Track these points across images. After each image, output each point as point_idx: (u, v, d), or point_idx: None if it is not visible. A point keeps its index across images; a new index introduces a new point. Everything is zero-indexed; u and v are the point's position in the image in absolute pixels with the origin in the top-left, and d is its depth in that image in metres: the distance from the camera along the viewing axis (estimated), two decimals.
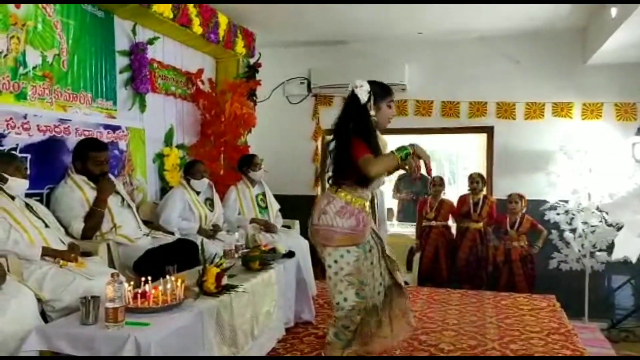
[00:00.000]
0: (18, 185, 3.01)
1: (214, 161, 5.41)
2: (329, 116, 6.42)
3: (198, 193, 4.42)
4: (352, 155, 2.56)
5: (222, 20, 5.16)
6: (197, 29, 4.78)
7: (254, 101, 5.98)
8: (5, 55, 3.28)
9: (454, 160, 8.41)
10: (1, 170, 2.96)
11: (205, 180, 4.44)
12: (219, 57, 5.74)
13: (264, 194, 5.04)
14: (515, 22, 5.46)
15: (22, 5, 3.38)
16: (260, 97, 6.17)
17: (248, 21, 5.54)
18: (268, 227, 4.76)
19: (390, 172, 2.82)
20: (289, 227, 5.15)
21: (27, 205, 3.13)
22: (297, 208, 5.86)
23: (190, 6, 4.61)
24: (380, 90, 2.71)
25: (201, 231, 4.26)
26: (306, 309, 3.97)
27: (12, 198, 3.02)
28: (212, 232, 4.31)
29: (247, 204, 4.87)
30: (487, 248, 5.55)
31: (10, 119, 3.27)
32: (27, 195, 3.21)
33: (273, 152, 6.12)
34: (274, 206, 5.08)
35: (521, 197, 5.49)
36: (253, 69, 6.01)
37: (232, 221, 4.73)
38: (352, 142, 2.58)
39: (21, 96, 3.39)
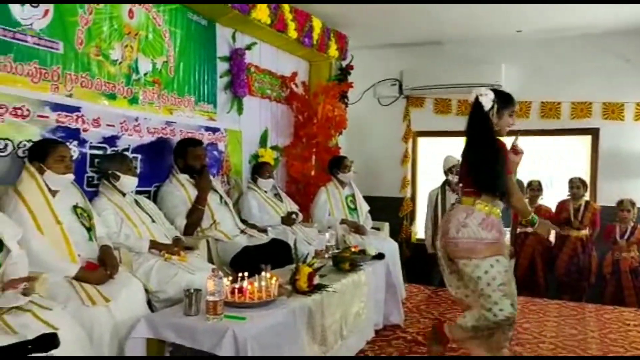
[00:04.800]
0: (129, 182, 3.26)
1: (305, 162, 5.53)
2: (420, 118, 6.45)
3: (265, 192, 4.55)
4: (504, 168, 2.64)
5: (316, 24, 5.26)
6: (293, 33, 4.91)
7: (346, 103, 6.04)
8: (120, 63, 3.56)
9: (553, 164, 8.00)
10: (114, 168, 3.22)
11: (271, 180, 4.58)
12: (312, 60, 5.86)
13: (353, 196, 5.08)
14: (623, 18, 5.11)
15: (135, 16, 3.65)
16: (351, 99, 6.22)
17: (341, 24, 5.61)
18: (357, 229, 4.79)
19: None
20: (378, 229, 5.15)
21: (136, 202, 3.38)
22: (386, 210, 5.89)
23: (287, 11, 4.75)
24: (504, 100, 2.76)
25: (284, 220, 4.39)
26: (395, 311, 3.95)
27: (123, 195, 3.27)
28: (293, 219, 4.43)
29: (337, 205, 4.93)
30: (589, 258, 5.23)
31: (124, 121, 3.55)
32: (136, 192, 3.46)
33: (363, 154, 6.16)
34: (364, 208, 5.11)
35: (633, 204, 5.12)
36: (345, 72, 6.07)
37: (322, 222, 4.81)
38: (504, 154, 2.66)
39: (133, 101, 3.67)
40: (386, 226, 5.25)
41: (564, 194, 5.47)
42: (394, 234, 5.45)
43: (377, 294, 3.70)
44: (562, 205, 5.43)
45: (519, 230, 5.54)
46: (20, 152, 2.89)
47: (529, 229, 5.45)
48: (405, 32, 5.87)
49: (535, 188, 5.53)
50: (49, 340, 1.54)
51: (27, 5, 2.93)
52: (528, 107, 5.94)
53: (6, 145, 2.84)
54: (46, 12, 3.05)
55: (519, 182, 5.52)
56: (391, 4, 4.85)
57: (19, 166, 2.82)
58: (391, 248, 4.64)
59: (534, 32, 5.69)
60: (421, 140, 6.65)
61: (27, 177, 2.65)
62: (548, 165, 6.16)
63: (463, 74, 5.92)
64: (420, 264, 5.62)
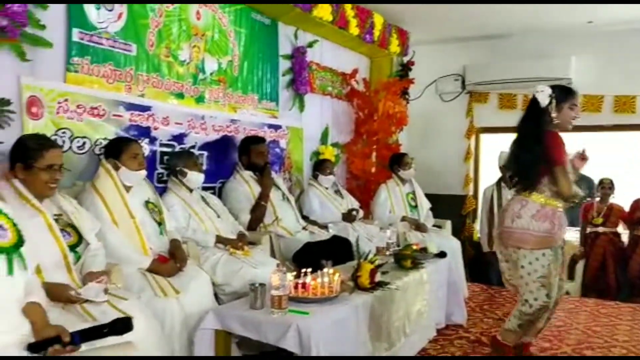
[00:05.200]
0: (196, 179, 3.38)
1: (366, 159, 5.52)
2: (484, 114, 6.30)
3: (326, 188, 4.57)
4: (551, 156, 2.67)
5: (378, 21, 5.24)
6: (354, 30, 4.91)
7: (407, 99, 5.99)
8: (188, 63, 3.68)
9: (627, 161, 7.61)
10: (182, 165, 3.35)
11: (332, 177, 4.59)
12: (373, 57, 5.84)
13: (414, 193, 5.03)
14: None
15: (202, 17, 3.76)
16: (412, 95, 6.15)
17: (403, 20, 5.56)
18: (418, 226, 4.75)
19: None
20: (439, 227, 5.08)
21: (202, 198, 3.50)
22: (448, 208, 5.78)
23: (348, 8, 4.76)
24: (562, 93, 2.78)
25: (345, 217, 4.40)
26: (457, 311, 3.89)
27: (190, 191, 3.39)
28: (354, 215, 4.44)
29: (398, 202, 4.90)
30: None
31: (191, 120, 3.67)
32: (202, 188, 3.57)
33: (424, 151, 6.08)
34: (425, 205, 5.05)
35: None
36: (406, 68, 6.01)
37: (383, 219, 4.79)
38: (551, 142, 2.69)
39: (200, 99, 3.79)
40: (448, 224, 5.17)
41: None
42: (456, 232, 5.36)
43: (439, 292, 3.66)
44: (636, 204, 5.16)
45: (589, 230, 5.32)
46: (96, 150, 3.05)
47: (600, 229, 5.24)
48: (469, 26, 5.74)
49: (606, 186, 5.29)
50: (124, 324, 1.62)
51: (103, 9, 3.09)
52: (600, 102, 5.67)
53: (84, 143, 3.01)
54: (120, 15, 3.20)
55: (587, 179, 5.32)
56: (453, 4, 4.77)
57: (96, 163, 2.98)
58: (453, 246, 4.56)
59: (607, 24, 5.42)
60: (484, 137, 6.49)
61: (103, 173, 2.80)
62: (621, 161, 5.86)
63: (530, 68, 5.72)
64: (482, 263, 5.50)
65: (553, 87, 2.79)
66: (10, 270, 1.50)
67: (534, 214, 2.71)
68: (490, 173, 6.25)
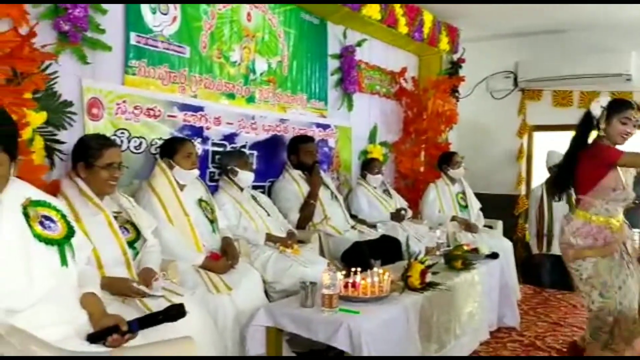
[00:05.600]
0: (246, 178, 3.43)
1: (414, 158, 5.47)
2: (537, 111, 6.13)
3: (374, 188, 4.55)
4: (606, 160, 2.62)
5: (427, 18, 5.18)
6: (403, 28, 4.87)
7: (456, 97, 5.88)
8: (239, 64, 3.75)
9: None
10: (233, 164, 3.41)
11: (380, 176, 4.57)
12: (422, 55, 5.77)
13: (464, 192, 4.95)
14: None
15: (253, 19, 3.82)
16: (462, 93, 6.04)
17: (453, 17, 5.47)
18: (469, 227, 4.67)
19: None
20: (490, 227, 4.98)
21: (253, 196, 3.55)
22: (499, 208, 5.66)
23: (397, 6, 4.73)
24: (615, 105, 2.71)
25: (393, 216, 4.38)
26: (509, 313, 3.80)
27: (241, 189, 3.45)
28: (403, 215, 4.41)
29: (447, 202, 4.83)
30: None
31: (242, 119, 3.74)
32: (252, 187, 3.63)
33: (475, 150, 5.96)
34: (475, 205, 4.96)
35: None
36: (456, 65, 5.91)
37: (432, 219, 4.74)
38: (600, 150, 2.65)
39: (250, 99, 3.85)
40: (500, 224, 5.06)
41: None
42: (507, 233, 5.23)
43: (491, 294, 3.59)
44: None
45: None
46: (152, 150, 3.15)
47: None
48: (522, 22, 5.59)
49: None
50: (177, 311, 1.65)
51: (158, 13, 3.18)
52: None
53: (141, 143, 3.11)
54: (174, 18, 3.29)
55: None
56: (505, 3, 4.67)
57: (152, 162, 3.08)
58: (505, 247, 4.47)
59: None
60: (537, 135, 6.31)
61: (158, 172, 2.89)
62: None
63: (587, 64, 5.52)
64: (534, 265, 5.36)
65: (611, 100, 2.75)
66: (63, 261, 1.55)
67: (574, 231, 2.70)
68: (543, 172, 6.08)
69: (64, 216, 1.63)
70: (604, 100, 2.73)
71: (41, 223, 1.54)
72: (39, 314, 1.39)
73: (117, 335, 1.53)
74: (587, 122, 2.75)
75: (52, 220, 1.58)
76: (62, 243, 1.57)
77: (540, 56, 5.96)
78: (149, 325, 1.61)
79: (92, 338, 1.52)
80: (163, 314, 1.63)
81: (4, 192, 1.50)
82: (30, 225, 1.51)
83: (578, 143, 2.77)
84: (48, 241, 1.52)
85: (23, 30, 2.29)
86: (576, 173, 2.72)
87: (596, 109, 2.71)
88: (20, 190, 1.58)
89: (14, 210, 1.51)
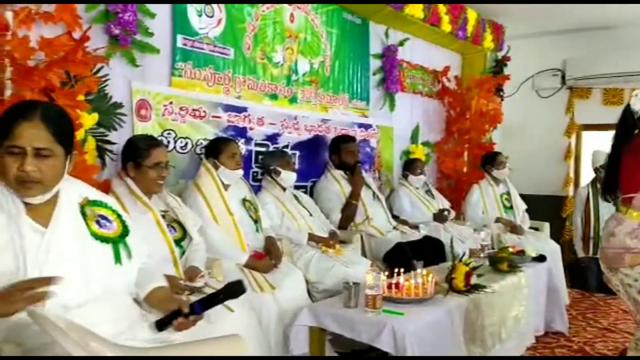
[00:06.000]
0: (289, 178, 3.45)
1: (457, 158, 5.39)
2: (586, 110, 5.93)
3: (416, 188, 4.51)
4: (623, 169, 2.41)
5: (471, 16, 5.09)
6: (446, 26, 4.81)
7: (501, 96, 5.76)
8: (282, 65, 3.77)
9: None
10: (276, 164, 3.44)
11: (422, 177, 4.51)
12: (465, 53, 5.68)
13: (508, 193, 4.85)
14: None
15: (295, 20, 3.84)
16: (507, 92, 5.91)
17: (497, 14, 5.36)
18: (514, 228, 4.56)
19: None
20: (537, 229, 4.86)
21: (295, 196, 3.57)
22: (546, 209, 5.52)
23: (440, 5, 4.66)
24: None
25: (436, 217, 4.33)
26: (558, 318, 3.69)
27: (284, 189, 3.47)
28: (445, 216, 4.36)
29: (491, 203, 4.74)
30: None
31: (284, 120, 3.76)
32: (294, 187, 3.65)
33: (520, 150, 5.82)
34: (520, 206, 4.84)
35: None
36: (501, 63, 5.78)
37: (476, 220, 4.65)
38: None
39: (293, 100, 3.87)
40: (546, 226, 4.92)
41: None
42: (555, 235, 5.09)
43: (538, 298, 3.49)
44: None
45: None
46: (197, 150, 3.21)
47: None
48: (570, 18, 5.42)
49: None
50: (237, 288, 1.60)
51: (204, 16, 3.24)
52: None
53: (186, 143, 3.17)
54: (219, 21, 3.34)
55: None
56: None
57: (197, 162, 3.14)
58: (552, 249, 4.35)
59: None
60: (586, 134, 6.11)
61: (204, 172, 2.94)
62: None
63: (637, 61, 5.32)
64: (580, 268, 5.19)
65: None
66: (117, 259, 1.58)
67: (629, 232, 2.42)
68: (591, 173, 5.89)
69: (119, 216, 1.67)
70: None
71: (97, 222, 1.58)
72: (93, 311, 1.43)
73: (182, 319, 1.53)
74: (627, 118, 2.53)
75: (108, 220, 1.62)
76: (117, 241, 1.60)
77: (590, 53, 5.77)
78: (211, 305, 1.58)
79: (159, 325, 1.53)
80: (223, 292, 1.59)
81: (63, 190, 1.55)
82: (87, 224, 1.56)
83: (620, 140, 2.54)
84: (103, 239, 1.56)
85: (76, 34, 2.38)
86: (621, 171, 2.50)
87: (637, 104, 2.50)
88: (78, 190, 1.63)
89: (71, 208, 1.55)
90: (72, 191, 1.59)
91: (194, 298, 2.15)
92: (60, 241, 1.48)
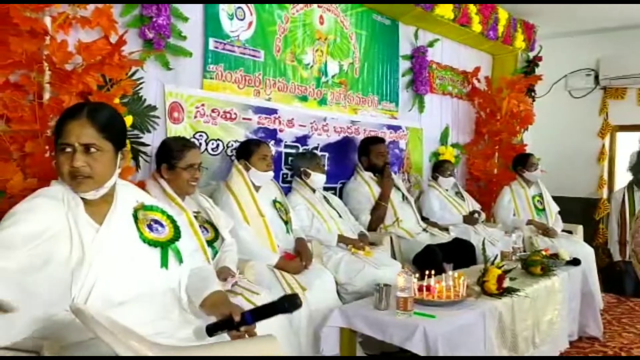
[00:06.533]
0: (318, 179, 3.46)
1: (487, 160, 5.32)
2: (621, 111, 5.80)
3: (446, 190, 4.48)
4: None
5: (502, 16, 5.03)
6: (477, 27, 4.76)
7: (532, 97, 5.67)
8: (311, 67, 3.79)
9: None
10: (306, 166, 3.45)
11: (452, 179, 4.48)
12: (496, 54, 5.61)
13: (541, 195, 4.77)
14: None
15: (325, 22, 3.85)
16: (539, 92, 5.81)
17: (529, 13, 5.28)
18: (546, 231, 4.48)
19: None
20: (570, 232, 4.76)
21: (325, 198, 3.57)
22: (579, 212, 5.42)
23: (471, 5, 4.62)
24: None
25: (466, 219, 4.29)
26: (592, 323, 3.62)
27: (314, 191, 3.48)
28: (476, 218, 4.32)
29: (523, 205, 4.67)
30: None
31: (314, 121, 3.78)
32: (324, 188, 3.65)
33: (552, 151, 5.72)
34: (553, 208, 4.76)
35: None
36: (532, 64, 5.70)
37: (507, 222, 4.59)
38: None
39: (322, 102, 3.88)
40: (580, 229, 4.82)
41: None
42: (588, 238, 4.99)
43: (572, 302, 3.42)
44: None
45: None
46: (228, 152, 3.24)
47: None
48: (604, 16, 5.30)
49: None
50: (292, 302, 1.52)
51: (235, 19, 3.28)
52: None
53: (218, 145, 3.21)
54: (250, 24, 3.37)
55: None
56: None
57: (228, 164, 3.17)
58: (586, 253, 4.25)
59: None
60: (620, 135, 5.97)
61: (235, 173, 2.96)
62: None
63: None
64: (616, 272, 5.08)
65: None
66: (164, 263, 1.60)
67: None
68: (626, 175, 5.76)
69: (173, 221, 1.71)
70: None
71: (149, 226, 1.63)
72: (134, 310, 1.46)
73: (235, 332, 1.49)
74: None
75: (161, 224, 1.66)
76: (166, 245, 1.63)
77: (624, 52, 5.64)
78: (264, 316, 1.52)
79: (210, 330, 1.50)
80: (278, 305, 1.51)
81: (120, 193, 1.62)
82: (138, 227, 1.60)
83: None
84: (152, 243, 1.60)
85: (112, 38, 2.43)
86: None
87: None
88: (135, 195, 1.69)
89: (126, 211, 1.61)
90: (129, 195, 1.65)
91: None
92: (110, 240, 1.53)
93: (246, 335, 1.52)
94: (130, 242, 1.57)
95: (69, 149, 1.50)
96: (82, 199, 1.55)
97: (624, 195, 4.96)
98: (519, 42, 5.37)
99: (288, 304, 1.52)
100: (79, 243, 1.48)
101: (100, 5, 2.42)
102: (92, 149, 1.51)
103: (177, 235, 1.68)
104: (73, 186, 1.53)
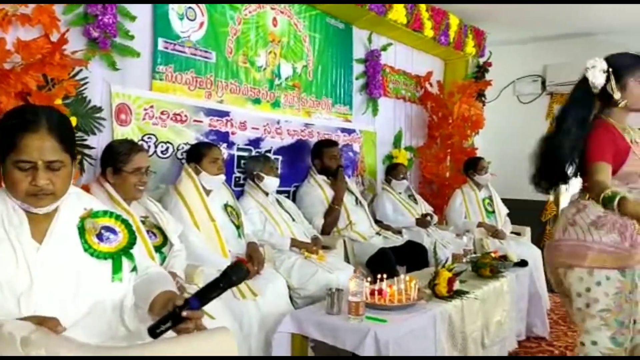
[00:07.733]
0: (272, 183, 3.42)
1: (440, 163, 5.41)
2: None
3: (399, 193, 4.53)
4: (588, 152, 2.05)
5: (453, 22, 5.13)
6: (429, 32, 4.83)
7: (483, 102, 5.81)
8: (264, 69, 3.75)
9: None
10: (259, 169, 3.41)
11: (405, 182, 4.54)
12: (447, 59, 5.71)
13: (490, 198, 4.88)
14: None
15: (278, 24, 3.82)
16: (488, 97, 5.96)
17: (479, 20, 5.39)
18: (496, 233, 4.59)
19: None
20: (518, 233, 4.89)
21: (278, 201, 3.54)
22: (527, 214, 5.55)
23: (423, 10, 4.69)
24: (625, 63, 2.10)
25: (419, 222, 4.33)
26: (539, 323, 3.72)
27: (267, 194, 3.44)
28: (428, 221, 4.37)
29: (473, 208, 4.76)
30: None
31: (267, 124, 3.74)
32: (277, 192, 3.61)
33: (501, 154, 5.85)
34: (502, 211, 4.88)
35: None
36: (482, 69, 5.84)
37: (459, 225, 4.67)
38: (591, 135, 2.06)
39: (276, 104, 3.85)
40: (527, 231, 4.96)
41: None
42: (536, 240, 5.13)
43: (520, 303, 3.51)
44: None
45: None
46: (179, 154, 3.16)
47: None
48: (550, 25, 5.48)
49: None
50: (238, 272, 1.38)
51: (186, 19, 3.20)
52: None
53: (167, 148, 3.13)
54: (201, 24, 3.31)
55: None
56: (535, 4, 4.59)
57: (178, 167, 3.10)
58: (534, 255, 4.38)
59: None
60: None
61: (185, 177, 2.89)
62: None
63: None
64: None
65: (609, 58, 2.11)
66: (116, 276, 1.47)
67: (593, 221, 2.03)
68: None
69: (128, 225, 1.57)
70: (599, 62, 2.11)
71: (99, 236, 1.49)
72: (77, 334, 1.32)
73: (183, 325, 1.33)
74: (585, 93, 2.14)
75: (113, 232, 1.52)
76: (118, 255, 1.49)
77: (570, 60, 5.81)
78: (211, 296, 1.36)
79: (152, 331, 1.35)
80: (222, 279, 1.36)
81: (63, 206, 1.47)
82: (85, 240, 1.47)
83: (575, 115, 2.15)
84: (101, 255, 1.46)
85: (54, 37, 2.33)
86: (585, 157, 2.09)
87: (598, 76, 2.07)
88: (83, 202, 1.54)
89: (69, 224, 1.47)
90: (74, 205, 1.51)
91: None
92: (51, 259, 1.40)
93: (195, 331, 1.36)
94: (75, 258, 1.43)
95: (27, 166, 1.35)
96: (27, 213, 1.41)
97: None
98: (470, 47, 5.49)
99: (233, 275, 1.37)
100: (25, 266, 1.35)
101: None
102: (56, 166, 1.37)
103: (132, 240, 1.54)
104: (30, 202, 1.39)
